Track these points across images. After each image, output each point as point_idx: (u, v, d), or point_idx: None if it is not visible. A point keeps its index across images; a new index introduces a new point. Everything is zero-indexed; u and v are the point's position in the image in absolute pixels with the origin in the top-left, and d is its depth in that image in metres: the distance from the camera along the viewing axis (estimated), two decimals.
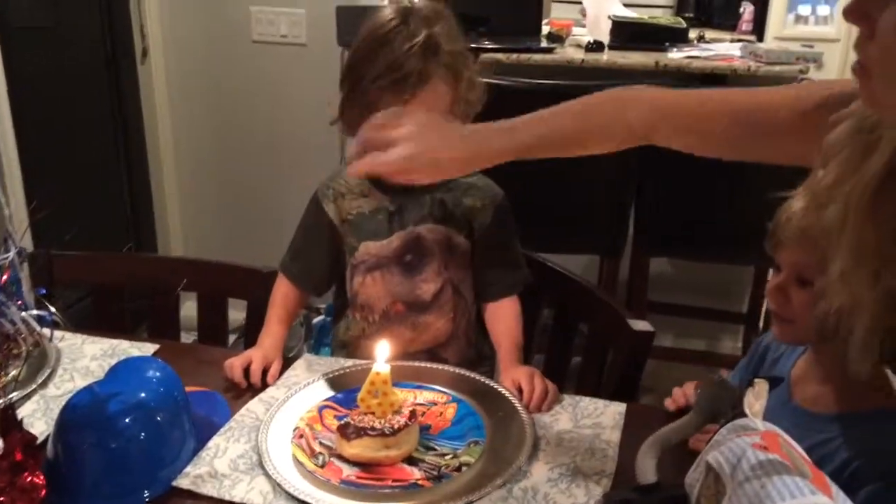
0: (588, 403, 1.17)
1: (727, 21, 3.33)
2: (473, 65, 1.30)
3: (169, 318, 1.54)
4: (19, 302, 0.82)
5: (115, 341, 1.31)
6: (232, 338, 1.71)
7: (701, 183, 2.15)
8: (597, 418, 1.14)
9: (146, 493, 0.98)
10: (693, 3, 3.64)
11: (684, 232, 2.26)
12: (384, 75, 1.22)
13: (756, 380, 0.80)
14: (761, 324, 2.41)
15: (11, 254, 0.79)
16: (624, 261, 2.37)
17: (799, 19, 3.26)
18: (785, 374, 1.08)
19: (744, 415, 0.79)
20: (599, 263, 2.48)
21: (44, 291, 0.86)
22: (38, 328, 0.82)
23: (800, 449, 0.72)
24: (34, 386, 1.14)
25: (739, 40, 2.77)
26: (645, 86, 1.00)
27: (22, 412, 1.10)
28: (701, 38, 2.74)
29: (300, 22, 2.62)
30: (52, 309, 0.83)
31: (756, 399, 0.78)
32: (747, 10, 3.26)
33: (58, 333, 1.27)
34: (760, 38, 3.08)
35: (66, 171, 2.49)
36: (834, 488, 0.68)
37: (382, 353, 1.07)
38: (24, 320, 0.80)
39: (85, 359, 1.26)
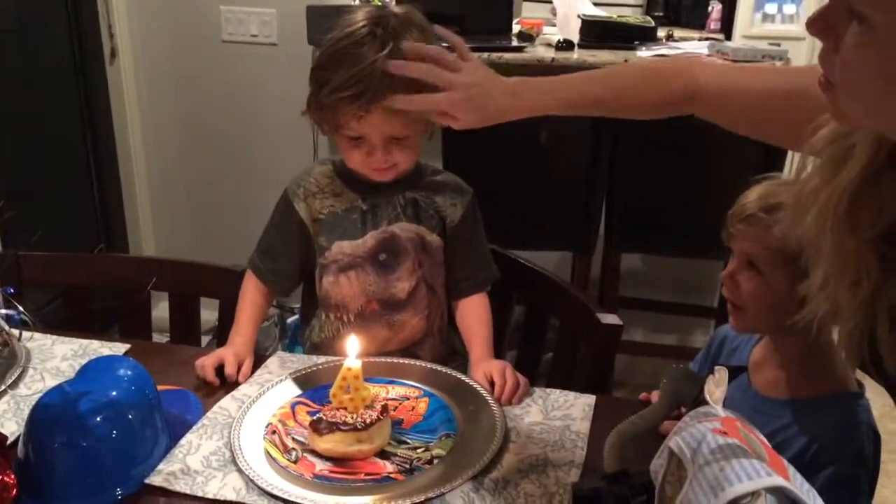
0: (558, 396, 1.19)
1: (696, 20, 3.37)
2: None
3: (140, 318, 1.53)
4: None
5: (85, 341, 1.31)
6: (206, 339, 1.71)
7: (670, 179, 2.19)
8: (567, 410, 1.16)
9: (119, 491, 0.98)
10: (662, 2, 3.68)
11: (655, 228, 2.29)
12: (345, 86, 1.20)
13: (717, 367, 0.82)
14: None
15: None
16: (596, 257, 2.39)
17: (766, 18, 3.30)
18: (744, 363, 1.11)
19: (705, 402, 0.81)
20: (572, 260, 2.50)
21: (12, 291, 0.86)
22: (6, 327, 0.81)
23: (758, 433, 0.75)
24: (4, 386, 1.14)
25: (708, 39, 2.81)
26: (693, 58, 1.03)
27: None
28: (669, 37, 2.77)
29: (271, 21, 2.61)
30: (20, 308, 0.82)
31: (717, 386, 0.80)
32: (715, 9, 3.30)
33: (28, 334, 1.27)
34: (729, 37, 3.13)
35: (36, 173, 2.47)
36: (791, 470, 0.71)
37: (353, 348, 1.08)
38: None
39: (56, 359, 1.26)
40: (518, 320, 1.57)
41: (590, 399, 1.18)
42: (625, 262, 2.43)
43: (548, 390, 1.21)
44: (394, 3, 2.40)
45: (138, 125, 2.84)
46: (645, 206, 2.25)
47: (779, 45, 2.58)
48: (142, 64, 2.77)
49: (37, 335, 1.30)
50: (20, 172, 2.38)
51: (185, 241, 2.95)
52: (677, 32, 2.88)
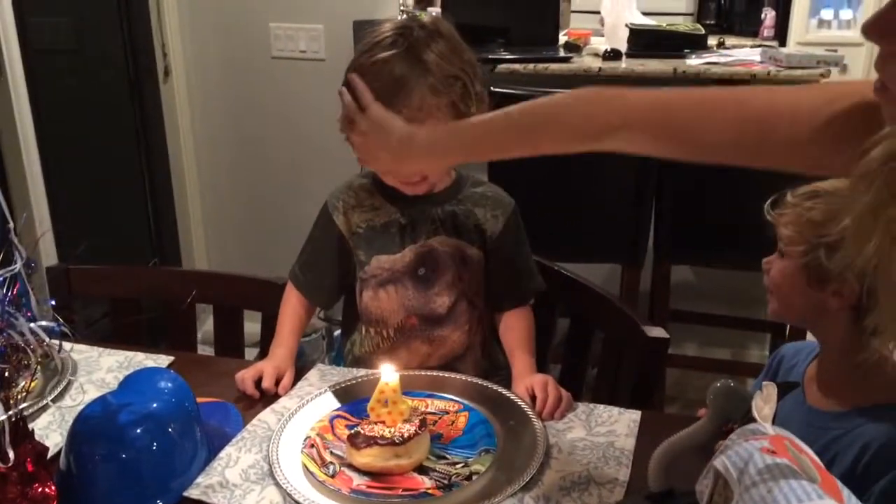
0: (602, 411, 1.16)
1: (749, 28, 3.29)
2: (476, 83, 1.25)
3: (187, 331, 1.55)
4: (28, 313, 0.83)
5: (130, 353, 1.32)
6: (254, 351, 1.72)
7: (722, 188, 2.12)
8: (611, 426, 1.12)
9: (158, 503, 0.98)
10: (714, 10, 3.61)
11: (706, 239, 2.23)
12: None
13: (765, 384, 0.78)
14: (787, 331, 2.37)
15: (18, 265, 0.80)
16: (646, 270, 2.34)
17: (822, 24, 3.21)
18: (799, 379, 1.08)
19: (754, 419, 0.77)
20: (621, 273, 2.45)
21: (52, 302, 0.87)
22: (46, 339, 0.82)
23: (810, 452, 0.71)
24: (49, 398, 1.15)
25: (760, 46, 2.74)
26: (605, 87, 0.95)
27: (38, 424, 1.12)
28: (721, 45, 2.71)
29: (318, 37, 2.64)
30: (61, 319, 0.83)
31: (765, 403, 0.76)
32: (769, 16, 3.22)
33: (68, 345, 1.29)
34: (783, 44, 3.05)
35: (91, 189, 2.53)
36: (845, 492, 0.67)
37: (389, 367, 1.07)
38: (32, 331, 0.81)
39: (101, 371, 1.28)
40: (562, 334, 1.54)
41: (635, 415, 1.14)
42: (675, 274, 2.37)
43: (592, 405, 1.18)
44: (439, 13, 2.41)
45: (191, 141, 2.90)
46: (695, 216, 2.19)
47: (836, 51, 2.51)
48: (194, 81, 2.83)
49: (84, 347, 1.33)
50: (77, 188, 2.44)
51: (237, 256, 2.99)
52: (730, 40, 2.82)
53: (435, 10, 2.54)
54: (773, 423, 0.77)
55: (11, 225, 0.79)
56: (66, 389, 1.21)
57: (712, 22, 3.37)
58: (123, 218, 2.74)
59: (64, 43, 2.43)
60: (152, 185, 2.80)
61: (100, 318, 1.81)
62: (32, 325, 0.81)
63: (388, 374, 1.05)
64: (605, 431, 1.11)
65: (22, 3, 2.11)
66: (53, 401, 1.15)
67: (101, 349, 1.33)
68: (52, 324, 0.84)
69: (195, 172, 2.94)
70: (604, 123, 0.94)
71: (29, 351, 0.81)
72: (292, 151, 2.82)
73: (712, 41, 2.68)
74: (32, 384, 1.11)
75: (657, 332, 1.25)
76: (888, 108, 0.65)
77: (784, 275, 1.06)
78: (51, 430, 1.11)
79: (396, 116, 1.08)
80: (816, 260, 0.99)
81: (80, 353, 1.31)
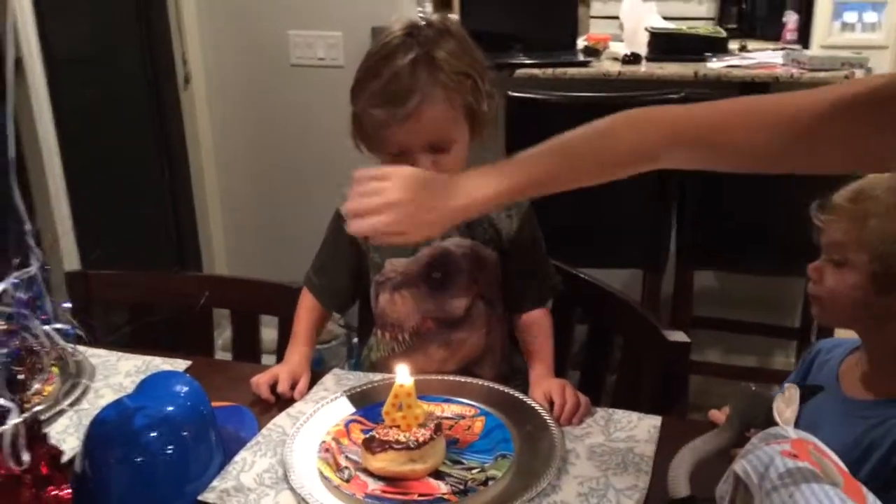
0: (622, 416, 1.14)
1: (771, 31, 3.26)
2: (486, 81, 1.25)
3: (204, 336, 1.55)
4: (43, 316, 0.83)
5: (148, 358, 1.33)
6: (273, 357, 1.71)
7: (746, 191, 2.09)
8: (630, 431, 1.11)
9: None
10: (735, 14, 3.58)
11: (729, 244, 2.20)
12: (376, 96, 1.20)
13: (786, 386, 0.77)
14: (813, 337, 2.33)
15: (34, 268, 0.80)
16: (668, 275, 2.32)
17: (845, 27, 3.17)
18: (831, 379, 1.07)
19: (775, 423, 0.76)
20: (642, 278, 2.43)
21: (68, 305, 0.87)
22: (60, 342, 0.82)
23: (833, 456, 0.69)
24: (66, 403, 1.15)
25: (784, 49, 2.71)
26: (649, 107, 0.95)
27: (55, 428, 1.12)
28: (743, 48, 2.69)
29: (337, 44, 2.65)
30: (75, 322, 0.83)
31: (787, 406, 0.75)
32: (791, 20, 3.19)
33: (94, 350, 1.30)
34: (806, 48, 3.02)
35: (113, 196, 2.54)
36: (870, 498, 0.65)
37: (404, 368, 1.06)
38: (46, 334, 0.81)
39: (119, 375, 1.28)
40: (582, 340, 1.52)
41: (655, 420, 1.12)
42: (698, 279, 2.34)
43: (611, 410, 1.16)
44: (457, 19, 2.40)
45: (211, 148, 2.91)
46: (719, 220, 2.16)
47: (860, 54, 2.47)
48: (214, 89, 2.84)
49: (102, 351, 1.33)
50: (98, 197, 2.45)
51: (258, 263, 2.99)
52: (752, 44, 2.79)
53: (454, 17, 2.54)
54: (796, 425, 0.76)
55: (28, 227, 0.79)
56: (83, 393, 1.21)
57: (734, 26, 3.34)
58: (145, 225, 2.76)
59: (84, 51, 2.45)
60: (173, 191, 2.81)
61: (123, 325, 1.82)
62: (46, 327, 0.81)
63: (403, 376, 1.04)
64: (624, 437, 1.09)
65: (43, 12, 2.13)
66: (71, 405, 1.16)
67: (119, 353, 1.34)
68: (66, 326, 0.84)
69: (215, 179, 2.96)
70: (652, 144, 0.93)
71: (42, 353, 0.81)
72: (312, 158, 2.82)
73: (734, 45, 2.66)
74: (48, 388, 1.12)
75: (678, 336, 1.23)
76: None
77: (848, 285, 1.00)
78: (67, 434, 1.11)
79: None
80: (886, 267, 0.95)
81: (98, 357, 1.31)
